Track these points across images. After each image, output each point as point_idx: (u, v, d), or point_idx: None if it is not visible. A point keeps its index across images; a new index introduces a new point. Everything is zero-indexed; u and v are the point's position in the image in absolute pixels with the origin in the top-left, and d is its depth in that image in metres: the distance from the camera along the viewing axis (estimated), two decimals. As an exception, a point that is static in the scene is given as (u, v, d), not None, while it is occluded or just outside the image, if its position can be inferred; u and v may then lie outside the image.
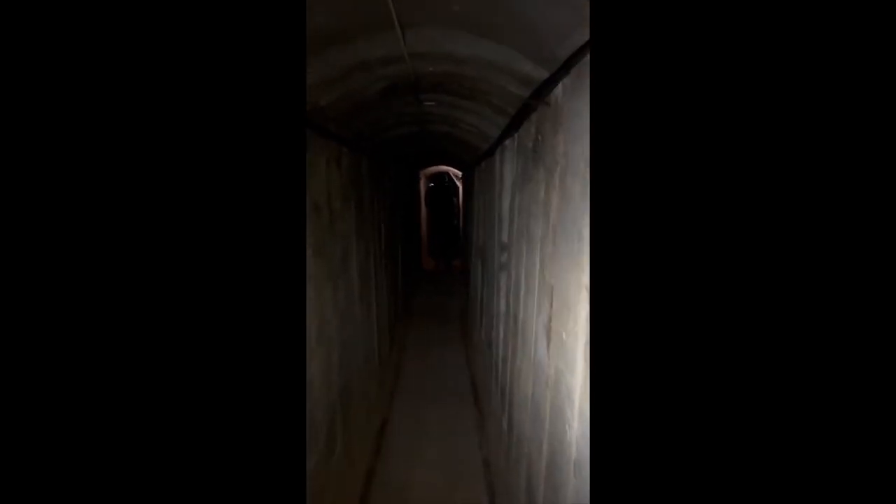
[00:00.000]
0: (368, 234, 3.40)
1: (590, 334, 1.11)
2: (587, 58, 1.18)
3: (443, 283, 8.60)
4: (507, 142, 2.70)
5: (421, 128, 3.68)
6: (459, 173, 9.46)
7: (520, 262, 2.33)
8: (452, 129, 3.59)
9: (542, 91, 1.80)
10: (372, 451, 3.19)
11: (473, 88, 2.38)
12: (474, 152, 4.35)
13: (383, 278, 4.13)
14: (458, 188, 10.18)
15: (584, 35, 1.15)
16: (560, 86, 1.52)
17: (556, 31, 1.32)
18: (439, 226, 10.15)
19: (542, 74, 1.72)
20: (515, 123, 2.34)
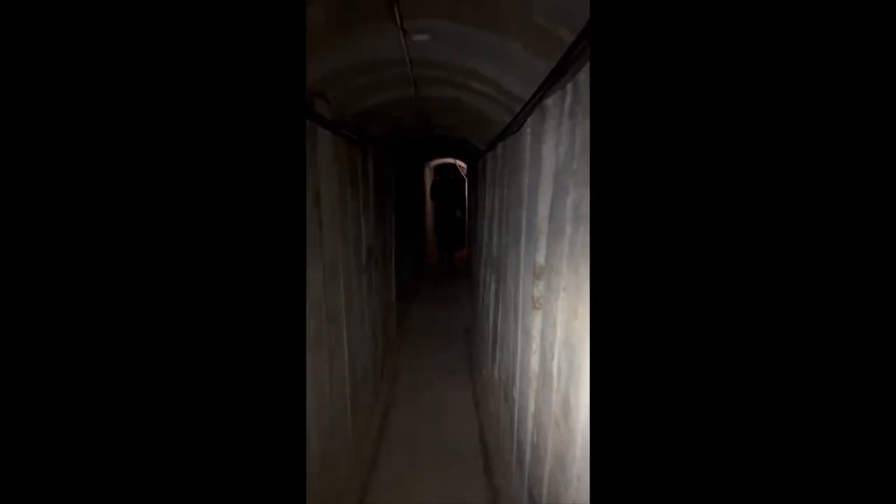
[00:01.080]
0: (336, 250, 2.33)
1: (590, 337, 0.99)
2: None
3: (447, 282, 7.51)
4: (550, 100, 1.63)
5: (416, 93, 2.59)
6: (465, 165, 8.63)
7: (576, 309, 1.26)
8: (460, 92, 2.51)
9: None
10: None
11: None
12: (488, 132, 3.27)
13: (364, 309, 3.08)
14: (464, 181, 9.55)
15: None
16: None
17: None
18: (444, 220, 9.61)
19: None
20: (574, 57, 1.27)
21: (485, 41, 1.64)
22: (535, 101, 1.78)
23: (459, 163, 9.38)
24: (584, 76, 1.26)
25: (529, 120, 1.95)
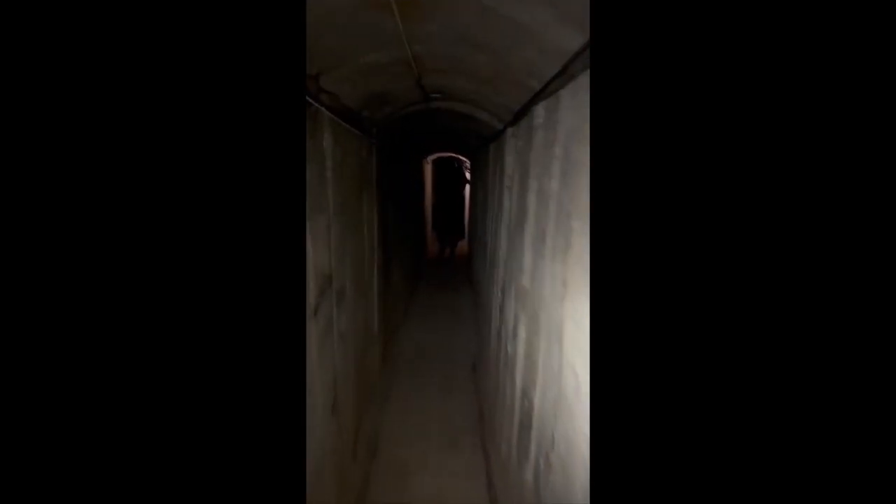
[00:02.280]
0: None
1: (590, 340, 0.98)
2: None
3: (448, 290, 6.22)
4: None
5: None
6: (466, 160, 7.55)
7: None
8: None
9: None
10: None
11: None
12: (518, 89, 2.05)
13: (315, 380, 1.84)
14: (465, 175, 8.66)
15: None
16: None
17: None
18: (444, 217, 9.05)
19: None
20: None
21: None
22: None
23: (459, 157, 8.44)
24: None
25: None
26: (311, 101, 1.75)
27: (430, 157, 8.57)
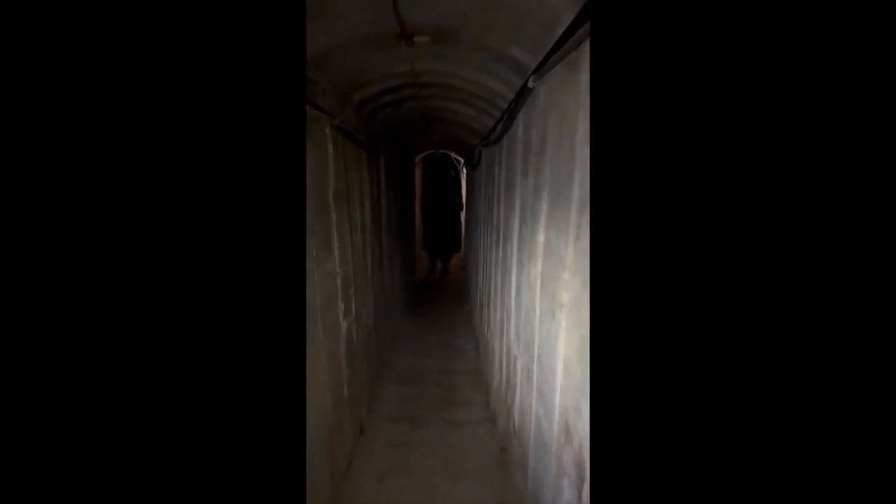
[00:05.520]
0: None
1: (590, 337, 0.94)
2: None
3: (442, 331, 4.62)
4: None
5: None
6: (460, 159, 7.12)
7: None
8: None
9: None
10: None
11: None
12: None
13: None
14: (460, 176, 7.97)
15: None
16: None
17: None
18: (436, 227, 7.81)
19: None
20: None
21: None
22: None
23: (453, 155, 7.56)
24: None
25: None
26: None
27: (422, 155, 7.74)
